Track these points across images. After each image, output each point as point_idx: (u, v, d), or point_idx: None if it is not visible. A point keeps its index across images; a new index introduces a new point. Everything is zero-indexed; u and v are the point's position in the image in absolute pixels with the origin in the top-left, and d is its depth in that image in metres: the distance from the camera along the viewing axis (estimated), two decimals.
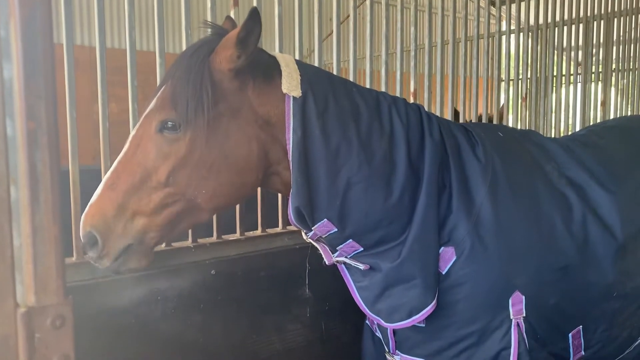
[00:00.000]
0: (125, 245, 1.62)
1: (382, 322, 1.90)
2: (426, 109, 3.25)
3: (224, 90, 1.69)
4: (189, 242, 2.27)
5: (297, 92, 1.73)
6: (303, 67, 1.83)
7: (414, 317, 1.82)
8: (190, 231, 2.28)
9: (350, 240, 1.82)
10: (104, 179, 1.66)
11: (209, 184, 1.67)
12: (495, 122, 3.93)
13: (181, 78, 1.66)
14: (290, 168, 1.73)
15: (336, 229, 1.78)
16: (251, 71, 1.72)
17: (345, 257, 1.89)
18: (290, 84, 1.73)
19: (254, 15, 1.62)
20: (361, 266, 1.87)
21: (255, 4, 2.44)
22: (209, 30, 1.82)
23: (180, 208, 1.67)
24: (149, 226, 1.63)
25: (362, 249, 1.84)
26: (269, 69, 1.77)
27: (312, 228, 1.80)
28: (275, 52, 1.89)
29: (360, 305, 1.95)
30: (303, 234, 1.94)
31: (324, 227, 1.78)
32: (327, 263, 1.98)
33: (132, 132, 1.72)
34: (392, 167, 1.80)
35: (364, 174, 1.75)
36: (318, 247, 1.98)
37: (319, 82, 1.80)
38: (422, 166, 1.82)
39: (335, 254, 1.92)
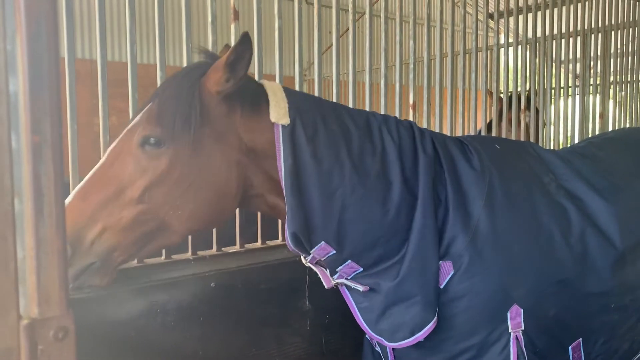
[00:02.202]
0: (88, 263, 1.58)
1: (385, 342, 1.89)
2: (425, 121, 3.28)
3: (212, 113, 1.69)
4: (188, 255, 2.27)
5: (286, 120, 1.73)
6: (290, 94, 1.83)
7: (416, 335, 1.81)
8: (190, 243, 2.28)
9: (350, 261, 1.82)
10: (76, 189, 1.62)
11: (185, 205, 1.65)
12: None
13: (171, 96, 1.67)
14: (284, 194, 1.73)
15: (334, 251, 1.79)
16: (239, 98, 1.73)
17: (345, 278, 1.89)
18: (278, 113, 1.74)
19: (245, 40, 1.63)
20: (360, 288, 1.86)
21: (255, 19, 2.46)
22: (203, 55, 1.83)
23: (152, 227, 1.64)
24: (116, 243, 1.59)
25: (361, 269, 1.84)
26: (256, 97, 1.78)
27: (311, 252, 1.81)
28: (263, 80, 1.90)
29: (362, 327, 1.94)
30: (302, 258, 1.95)
31: (322, 249, 1.79)
32: (326, 287, 1.98)
33: (112, 145, 1.70)
34: (386, 186, 1.80)
35: (358, 195, 1.75)
36: (317, 271, 1.97)
37: (306, 108, 1.81)
38: (417, 182, 1.83)
39: (335, 276, 1.91)
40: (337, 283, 1.93)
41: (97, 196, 1.59)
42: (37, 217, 0.61)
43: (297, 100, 1.82)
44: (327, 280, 1.96)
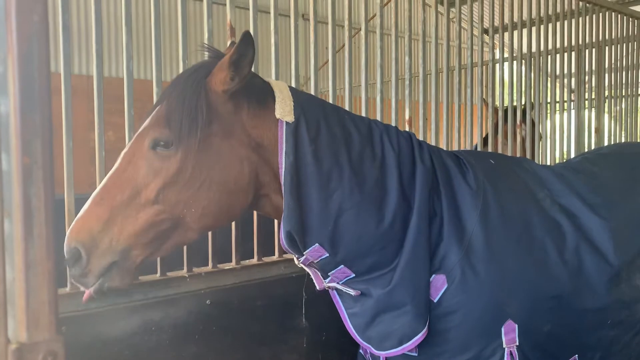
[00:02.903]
0: (110, 262, 1.59)
1: (373, 350, 1.88)
2: (421, 136, 3.29)
3: (219, 111, 1.71)
4: (184, 272, 2.25)
5: (290, 118, 1.76)
6: (296, 93, 1.86)
7: (405, 345, 1.81)
8: (185, 260, 2.26)
9: (342, 265, 1.81)
10: (93, 194, 1.65)
11: (198, 203, 1.67)
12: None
13: (177, 97, 1.69)
14: (282, 192, 1.74)
15: (328, 254, 1.79)
16: (246, 95, 1.76)
17: (337, 282, 1.88)
18: (284, 110, 1.76)
19: (247, 39, 1.65)
20: (352, 292, 1.86)
21: (252, 34, 2.47)
22: (208, 53, 1.84)
23: (168, 226, 1.67)
24: (134, 243, 1.61)
25: (353, 275, 1.84)
26: (263, 93, 1.80)
27: (304, 253, 1.80)
28: (269, 78, 1.93)
29: (351, 332, 1.94)
30: (295, 259, 1.94)
31: (316, 252, 1.79)
32: (317, 288, 1.98)
33: (125, 149, 1.73)
34: (383, 193, 1.81)
35: (355, 200, 1.76)
36: (309, 272, 1.98)
37: (311, 108, 1.83)
38: (413, 193, 1.83)
39: (327, 280, 1.91)
40: (328, 286, 1.93)
41: (113, 200, 1.61)
42: (27, 238, 0.60)
43: (303, 100, 1.84)
44: (319, 282, 1.96)
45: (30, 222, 0.60)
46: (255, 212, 2.45)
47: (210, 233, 2.32)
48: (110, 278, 1.62)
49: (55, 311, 0.61)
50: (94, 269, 1.58)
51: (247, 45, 1.66)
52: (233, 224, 2.39)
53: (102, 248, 1.58)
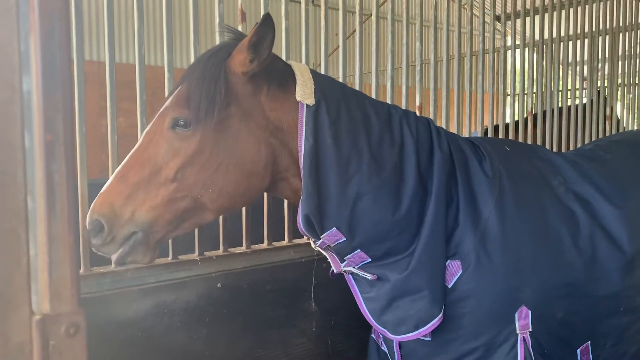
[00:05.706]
0: (131, 232, 1.62)
1: (389, 334, 1.90)
2: None
3: (238, 93, 1.72)
4: (195, 255, 2.27)
5: (311, 100, 1.76)
6: (317, 76, 1.86)
7: (420, 330, 1.82)
8: (196, 244, 2.29)
9: (359, 250, 1.82)
10: (115, 171, 1.69)
11: (216, 184, 1.69)
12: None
13: (197, 78, 1.70)
14: (301, 175, 1.75)
15: (345, 239, 1.79)
16: (266, 77, 1.76)
17: (353, 267, 1.90)
18: (304, 92, 1.76)
19: (267, 21, 1.65)
20: (369, 276, 1.87)
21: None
22: (230, 34, 1.85)
23: (186, 206, 1.68)
24: (154, 219, 1.64)
25: (370, 259, 1.85)
26: (283, 76, 1.80)
27: (321, 236, 1.81)
28: (291, 61, 1.92)
29: (366, 317, 1.95)
30: (311, 242, 1.95)
31: (333, 236, 1.79)
32: (334, 272, 1.99)
33: (147, 128, 1.76)
34: (401, 179, 1.81)
35: (373, 185, 1.76)
36: (326, 255, 1.99)
37: (332, 91, 1.83)
38: (431, 179, 1.84)
39: (343, 264, 1.92)
40: (345, 270, 1.94)
41: (134, 177, 1.64)
42: (50, 214, 0.62)
43: (323, 83, 1.84)
44: (337, 265, 1.97)
45: (52, 198, 0.62)
46: (265, 197, 2.47)
47: (221, 217, 2.34)
48: (132, 251, 1.65)
49: (77, 284, 0.63)
50: (116, 237, 1.62)
51: (267, 27, 1.66)
52: (244, 209, 2.41)
53: (124, 219, 1.61)
